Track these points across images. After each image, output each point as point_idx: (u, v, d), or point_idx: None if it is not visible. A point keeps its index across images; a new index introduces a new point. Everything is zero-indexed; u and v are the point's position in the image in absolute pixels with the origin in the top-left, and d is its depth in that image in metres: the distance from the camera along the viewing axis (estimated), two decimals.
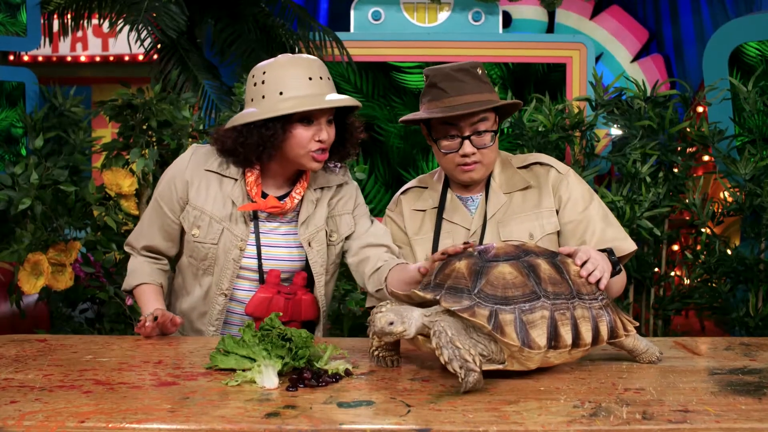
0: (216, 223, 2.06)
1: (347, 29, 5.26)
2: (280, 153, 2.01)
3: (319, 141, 1.99)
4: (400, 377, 1.56)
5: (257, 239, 2.07)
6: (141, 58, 5.13)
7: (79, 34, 6.69)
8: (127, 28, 4.29)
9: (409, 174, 4.89)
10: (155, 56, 4.80)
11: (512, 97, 3.77)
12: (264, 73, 1.99)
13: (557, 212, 2.12)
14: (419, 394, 1.43)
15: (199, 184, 2.08)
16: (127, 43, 4.36)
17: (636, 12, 6.44)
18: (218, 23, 5.01)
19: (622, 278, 2.02)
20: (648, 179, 3.65)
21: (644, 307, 3.93)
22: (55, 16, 5.00)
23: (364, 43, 5.02)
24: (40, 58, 7.17)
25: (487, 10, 5.26)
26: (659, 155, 3.72)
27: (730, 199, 3.74)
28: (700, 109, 4.25)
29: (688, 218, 3.99)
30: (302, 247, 2.11)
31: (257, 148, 1.98)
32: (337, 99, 1.98)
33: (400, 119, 2.17)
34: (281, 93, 1.95)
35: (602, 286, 1.64)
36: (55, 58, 7.32)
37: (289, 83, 1.96)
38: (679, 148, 3.81)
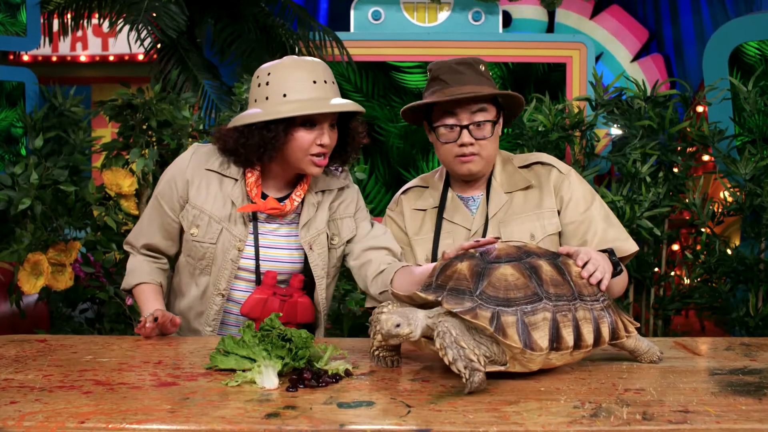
0: (215, 222, 2.06)
1: (347, 29, 5.26)
2: (280, 155, 2.01)
3: (321, 145, 1.98)
4: (401, 378, 1.56)
5: (255, 240, 2.07)
6: (141, 57, 5.13)
7: (79, 33, 6.70)
8: (127, 27, 4.29)
9: (409, 174, 4.89)
10: (155, 56, 4.80)
11: None
12: (269, 74, 1.99)
13: (558, 212, 2.12)
14: (419, 394, 1.43)
15: (200, 183, 2.08)
16: (127, 43, 4.36)
17: (636, 12, 6.44)
18: (218, 23, 5.01)
19: (623, 279, 2.02)
20: (648, 179, 3.65)
21: (644, 307, 3.93)
22: (55, 15, 5.00)
23: (364, 42, 5.03)
24: (39, 58, 7.17)
25: (487, 10, 5.26)
26: (659, 155, 3.72)
27: (730, 199, 3.74)
28: (700, 109, 4.25)
29: (688, 218, 3.99)
30: (301, 249, 2.10)
31: (258, 149, 1.98)
32: (340, 104, 1.97)
33: (402, 109, 2.16)
34: (285, 95, 1.95)
35: (603, 287, 1.64)
36: (55, 58, 7.32)
37: (293, 86, 1.95)
38: (679, 148, 3.81)
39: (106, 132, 5.89)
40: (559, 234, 2.11)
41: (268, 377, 1.48)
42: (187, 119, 3.60)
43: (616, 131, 4.54)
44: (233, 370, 1.56)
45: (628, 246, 2.08)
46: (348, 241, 2.17)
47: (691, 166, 3.89)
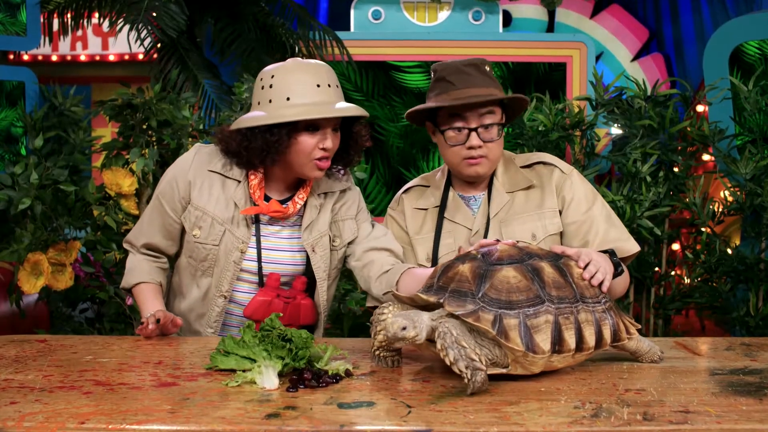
0: (218, 224, 2.05)
1: (347, 28, 5.25)
2: (283, 159, 2.00)
3: (324, 149, 1.98)
4: (401, 378, 1.56)
5: (258, 242, 2.06)
6: (141, 57, 5.13)
7: (79, 33, 6.69)
8: (127, 27, 4.29)
9: (409, 173, 4.88)
10: (155, 56, 4.80)
11: None
12: (272, 77, 1.98)
13: (560, 212, 2.11)
14: (420, 394, 1.43)
15: (202, 184, 2.07)
16: (127, 43, 4.36)
17: (636, 11, 6.44)
18: (218, 23, 5.01)
19: (624, 279, 2.02)
20: (648, 179, 3.65)
21: (644, 307, 3.93)
22: (55, 15, 5.00)
23: (364, 42, 5.02)
24: (39, 58, 7.17)
25: (487, 10, 5.26)
26: (660, 155, 3.72)
27: (730, 199, 3.73)
28: (700, 109, 4.24)
29: (688, 218, 3.98)
30: (304, 251, 2.10)
31: (261, 152, 1.97)
32: (344, 108, 1.97)
33: (407, 112, 2.15)
34: (288, 99, 1.94)
35: (605, 288, 1.64)
36: (55, 58, 7.31)
37: (296, 89, 1.94)
38: (679, 148, 3.81)
39: (106, 132, 5.88)
40: (561, 234, 2.11)
41: (268, 377, 1.48)
42: (187, 119, 3.60)
43: (616, 131, 4.54)
44: (233, 371, 1.56)
45: (629, 246, 2.08)
46: (349, 243, 2.17)
47: (691, 166, 3.89)
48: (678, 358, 1.74)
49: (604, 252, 1.83)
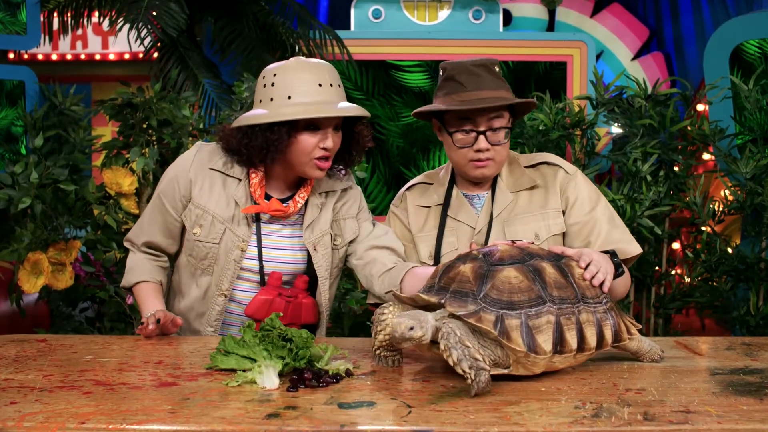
0: (219, 223, 2.05)
1: (347, 27, 5.25)
2: (283, 157, 2.00)
3: (324, 148, 1.97)
4: (402, 378, 1.56)
5: (258, 241, 2.06)
6: (141, 56, 5.13)
7: (79, 32, 6.69)
8: (127, 26, 4.29)
9: (410, 172, 4.88)
10: (155, 55, 4.80)
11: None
12: (274, 75, 1.98)
13: (564, 213, 2.11)
14: (420, 394, 1.43)
15: (203, 182, 2.07)
16: (127, 42, 4.36)
17: (636, 10, 6.44)
18: (218, 21, 5.01)
19: (626, 280, 2.02)
20: (649, 178, 3.65)
21: (645, 306, 3.93)
22: (55, 14, 5.00)
23: (365, 41, 5.02)
24: (40, 57, 7.17)
25: (487, 9, 5.25)
26: (660, 154, 3.72)
27: (730, 198, 3.73)
28: (700, 108, 4.24)
29: (688, 217, 3.98)
30: (305, 250, 2.10)
31: (261, 151, 1.97)
32: (345, 108, 1.96)
33: (414, 111, 2.15)
34: (289, 97, 1.94)
35: (605, 289, 1.64)
36: (55, 57, 7.31)
37: (298, 88, 1.94)
38: (679, 147, 3.80)
39: (106, 130, 5.88)
40: (564, 235, 2.10)
41: (268, 377, 1.48)
42: (188, 118, 3.59)
43: (616, 130, 4.53)
44: (234, 370, 1.56)
45: (632, 248, 2.07)
46: (350, 242, 2.17)
47: (691, 165, 3.88)
48: (678, 358, 1.74)
49: (606, 253, 1.83)
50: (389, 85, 5.02)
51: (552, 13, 6.21)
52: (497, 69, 2.08)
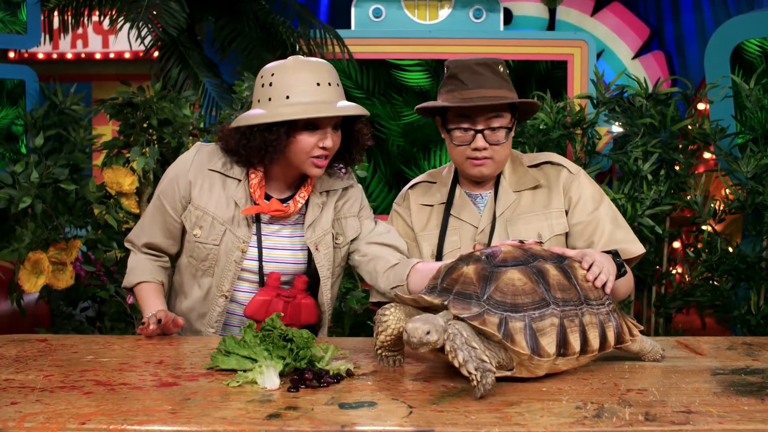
0: (219, 224, 2.05)
1: (348, 26, 5.25)
2: (282, 157, 1.99)
3: (323, 148, 1.97)
4: (403, 378, 1.56)
5: (259, 241, 2.06)
6: (142, 55, 5.14)
7: (80, 31, 6.68)
8: (127, 25, 4.29)
9: (411, 171, 4.88)
10: (155, 54, 4.79)
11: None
12: (272, 74, 1.97)
13: (566, 213, 2.11)
14: (421, 394, 1.43)
15: (203, 183, 2.07)
16: (127, 41, 4.36)
17: (637, 9, 6.43)
18: (219, 21, 5.01)
19: (628, 280, 2.01)
20: (649, 177, 3.64)
21: (645, 305, 3.93)
22: (56, 13, 5.00)
23: (365, 40, 5.02)
24: (40, 56, 7.16)
25: (488, 7, 5.25)
26: (661, 153, 3.71)
27: (731, 197, 3.73)
28: (701, 107, 4.23)
29: (689, 216, 3.98)
30: (305, 250, 2.09)
31: (259, 151, 1.96)
32: (343, 107, 1.95)
33: (417, 107, 2.15)
34: (288, 97, 1.93)
35: (608, 289, 1.64)
36: (55, 56, 7.31)
37: (296, 87, 1.93)
38: (680, 146, 3.80)
39: (106, 129, 5.87)
40: (567, 235, 2.10)
41: (269, 377, 1.48)
42: (188, 117, 3.59)
43: (617, 129, 4.53)
44: (234, 371, 1.56)
45: (635, 248, 2.07)
46: (352, 240, 2.16)
47: (692, 164, 3.88)
48: (680, 358, 1.74)
49: (608, 252, 1.82)
50: (390, 84, 5.02)
51: (552, 12, 6.21)
52: (501, 69, 2.08)
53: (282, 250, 2.08)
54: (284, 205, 2.06)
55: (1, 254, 3.32)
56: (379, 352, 1.64)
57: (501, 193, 2.13)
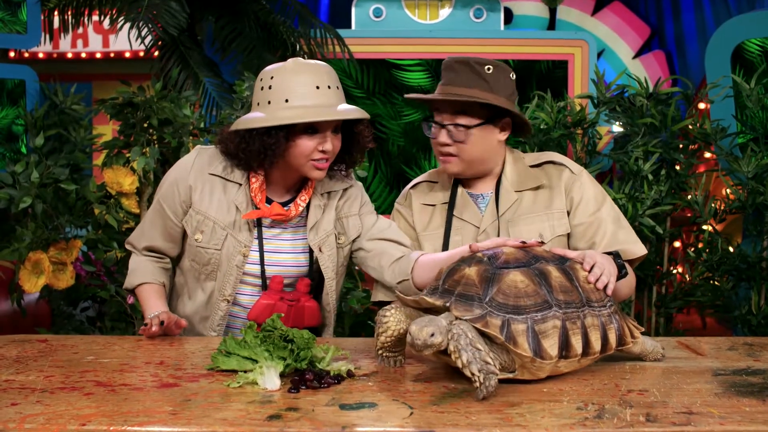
0: (220, 229, 2.04)
1: (348, 26, 5.25)
2: (282, 161, 1.98)
3: (323, 151, 1.96)
4: (403, 378, 1.56)
5: (260, 245, 2.05)
6: (142, 55, 5.14)
7: (80, 31, 6.68)
8: (127, 25, 4.29)
9: (411, 171, 4.88)
10: (156, 54, 4.79)
11: None
12: (272, 77, 1.95)
13: (568, 213, 2.10)
14: (422, 395, 1.43)
15: (203, 188, 2.05)
16: (128, 41, 4.36)
17: (638, 8, 6.43)
18: (219, 20, 5.01)
19: (630, 282, 2.01)
20: (650, 177, 3.64)
21: (646, 305, 3.92)
22: (56, 13, 5.00)
23: (366, 40, 5.02)
24: (40, 55, 7.16)
25: (488, 7, 5.25)
26: (661, 153, 3.71)
27: (732, 197, 3.73)
28: (702, 107, 4.23)
29: (690, 216, 3.98)
30: (306, 252, 2.09)
31: (259, 155, 1.95)
32: (343, 111, 1.94)
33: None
34: (287, 100, 1.91)
35: (609, 291, 1.63)
36: (55, 55, 7.31)
37: (295, 91, 1.92)
38: (681, 146, 3.80)
39: (107, 129, 5.87)
40: (568, 235, 2.09)
41: (269, 378, 1.47)
42: (188, 117, 3.59)
43: (618, 129, 4.52)
44: (235, 371, 1.56)
45: (636, 249, 2.07)
46: (354, 239, 2.15)
47: (693, 164, 3.87)
48: (680, 359, 1.73)
49: (609, 254, 1.82)
50: (390, 83, 5.02)
51: (553, 12, 6.21)
52: (487, 69, 2.05)
53: (284, 253, 2.08)
54: (285, 208, 2.05)
55: (1, 254, 3.32)
56: (380, 352, 1.64)
57: (502, 193, 2.12)
